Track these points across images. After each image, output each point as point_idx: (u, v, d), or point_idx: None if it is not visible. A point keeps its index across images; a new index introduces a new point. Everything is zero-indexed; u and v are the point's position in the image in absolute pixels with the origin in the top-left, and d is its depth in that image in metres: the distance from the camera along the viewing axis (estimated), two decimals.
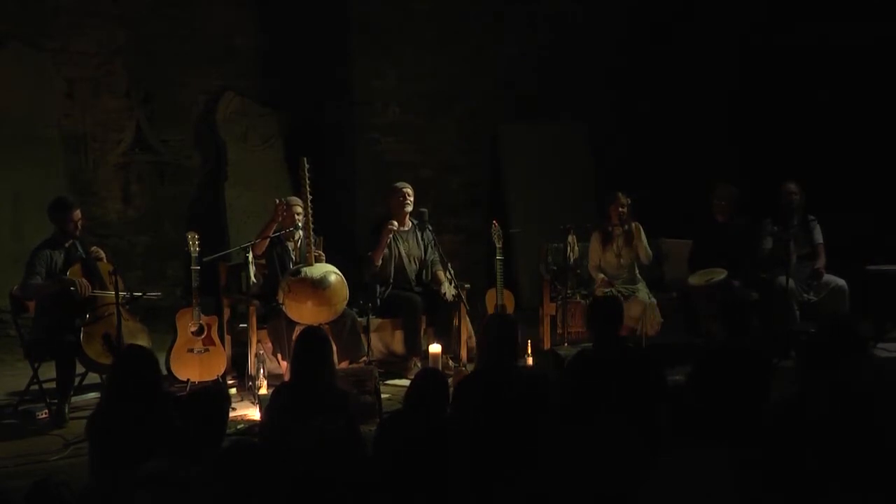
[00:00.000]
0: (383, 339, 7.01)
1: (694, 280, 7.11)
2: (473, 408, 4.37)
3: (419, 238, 7.08)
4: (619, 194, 7.20)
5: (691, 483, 3.47)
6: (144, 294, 6.52)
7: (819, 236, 7.24)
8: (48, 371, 6.03)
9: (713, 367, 4.65)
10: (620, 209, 7.16)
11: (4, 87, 8.15)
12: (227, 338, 6.60)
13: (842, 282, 7.09)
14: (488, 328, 4.83)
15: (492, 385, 4.45)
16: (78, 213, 6.17)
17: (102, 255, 6.21)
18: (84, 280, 5.94)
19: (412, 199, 7.01)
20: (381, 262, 6.89)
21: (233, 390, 6.47)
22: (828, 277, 7.14)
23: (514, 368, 4.68)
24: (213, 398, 3.97)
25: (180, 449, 3.73)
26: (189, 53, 8.88)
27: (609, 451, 3.76)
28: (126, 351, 4.78)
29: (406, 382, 6.23)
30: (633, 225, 7.23)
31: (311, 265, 6.36)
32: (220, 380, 6.43)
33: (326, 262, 6.51)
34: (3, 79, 8.16)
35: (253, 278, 6.48)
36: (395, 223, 6.88)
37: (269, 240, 6.58)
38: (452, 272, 6.79)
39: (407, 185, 7.06)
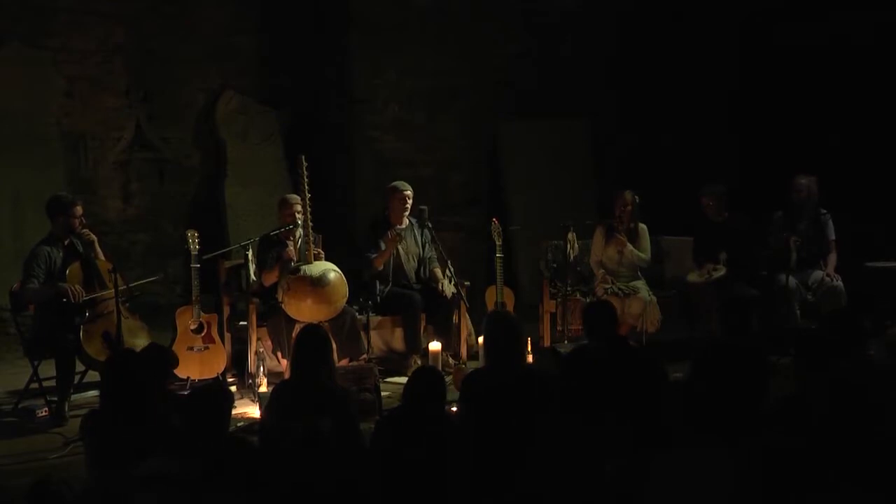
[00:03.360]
0: (383, 336, 7.01)
1: (693, 277, 7.12)
2: (477, 406, 4.38)
3: (417, 235, 7.08)
4: (626, 192, 7.20)
5: (691, 481, 3.47)
6: (146, 283, 6.55)
7: (831, 232, 7.19)
8: (48, 369, 6.03)
9: (713, 364, 4.67)
10: (623, 206, 7.17)
11: (4, 85, 8.14)
12: (227, 335, 6.61)
13: (839, 283, 7.06)
14: (488, 327, 4.83)
15: (494, 384, 4.45)
16: (80, 209, 6.17)
17: (94, 237, 6.20)
18: (77, 287, 5.92)
19: (412, 201, 7.01)
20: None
21: (233, 388, 6.47)
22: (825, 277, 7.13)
23: (519, 367, 4.67)
24: (216, 396, 3.98)
25: (180, 447, 3.73)
26: (188, 52, 8.87)
27: (609, 449, 3.76)
28: (142, 350, 4.80)
29: (406, 380, 6.25)
30: (639, 226, 7.24)
31: (311, 263, 6.36)
32: (220, 378, 6.44)
33: (325, 260, 6.52)
34: (2, 78, 8.15)
35: (253, 276, 6.49)
36: (399, 229, 6.88)
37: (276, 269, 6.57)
38: (452, 270, 6.79)
39: (407, 186, 7.04)
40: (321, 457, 3.62)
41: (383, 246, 6.89)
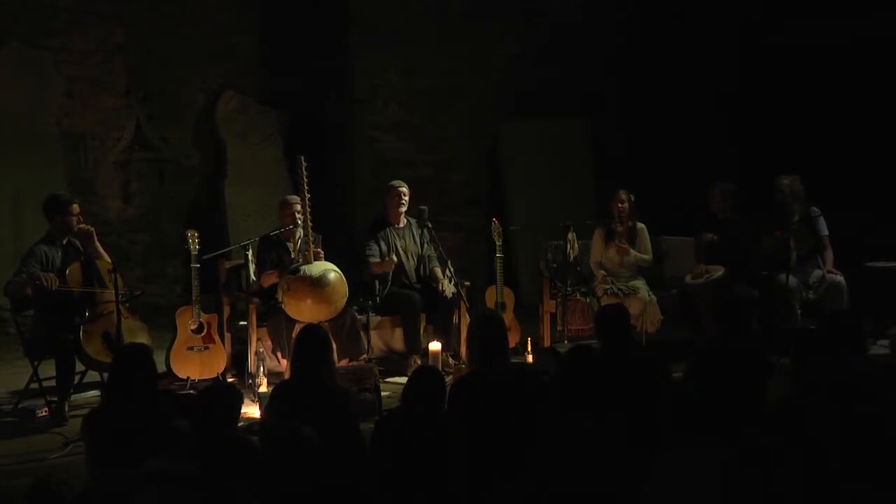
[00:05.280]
0: (383, 336, 7.02)
1: (692, 279, 7.11)
2: (468, 407, 4.37)
3: (415, 234, 7.09)
4: (621, 191, 7.22)
5: (689, 482, 3.47)
6: (143, 293, 6.55)
7: (823, 228, 7.18)
8: (48, 369, 6.03)
9: (711, 364, 4.66)
10: (620, 205, 7.18)
11: (4, 85, 8.15)
12: (227, 336, 6.61)
13: (840, 278, 7.08)
14: (474, 330, 4.83)
15: (485, 385, 4.45)
16: (77, 208, 6.18)
17: (91, 228, 6.20)
18: (51, 275, 5.91)
19: (407, 198, 7.02)
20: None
21: None
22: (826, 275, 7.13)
23: (505, 367, 4.66)
24: (228, 395, 3.99)
25: (182, 447, 3.73)
26: (188, 52, 8.87)
27: (607, 449, 3.76)
28: (123, 349, 4.79)
29: (406, 380, 6.25)
30: (638, 226, 7.24)
31: (311, 263, 6.36)
32: (221, 377, 6.44)
33: (325, 260, 6.52)
34: (2, 77, 8.15)
35: (253, 276, 6.49)
36: (395, 259, 6.87)
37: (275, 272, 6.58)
38: (452, 270, 6.79)
39: (403, 184, 7.06)
40: (321, 456, 3.61)
41: (383, 246, 6.89)
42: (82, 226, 6.18)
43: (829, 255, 7.17)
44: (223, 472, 3.63)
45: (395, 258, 6.88)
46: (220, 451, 3.75)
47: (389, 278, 6.95)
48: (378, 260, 6.86)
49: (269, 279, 6.55)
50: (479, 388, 4.42)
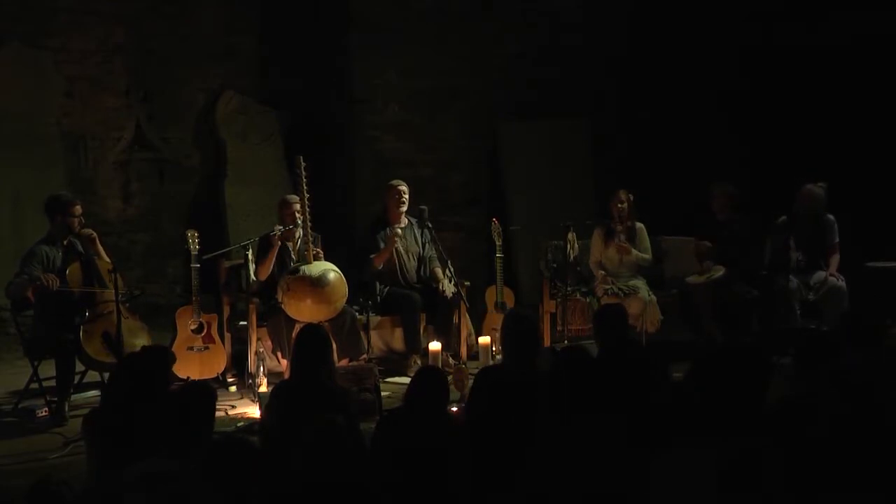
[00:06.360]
0: (383, 336, 7.03)
1: (693, 278, 7.12)
2: (489, 401, 4.38)
3: (417, 234, 7.10)
4: (620, 191, 7.23)
5: (688, 482, 3.47)
6: (143, 293, 6.55)
7: (835, 235, 7.19)
8: (48, 369, 6.04)
9: (712, 365, 4.66)
10: (619, 205, 7.19)
11: (4, 85, 8.14)
12: (227, 336, 6.62)
13: (841, 283, 7.07)
14: (505, 326, 4.84)
15: (510, 383, 4.45)
16: (78, 209, 6.19)
17: (94, 234, 6.21)
18: (51, 275, 5.93)
19: (407, 197, 7.03)
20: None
21: (233, 388, 6.50)
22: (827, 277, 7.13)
23: (532, 367, 4.67)
24: (197, 395, 3.98)
25: (172, 447, 3.73)
26: (189, 52, 8.87)
27: (606, 449, 3.76)
28: (141, 350, 4.80)
29: (406, 380, 6.25)
30: (637, 226, 7.25)
31: (311, 263, 6.37)
32: (221, 377, 6.45)
33: (325, 260, 6.53)
34: (2, 78, 8.15)
35: (253, 276, 6.49)
36: (400, 231, 6.90)
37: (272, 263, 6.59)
38: (452, 270, 6.79)
39: (402, 183, 7.08)
40: (321, 456, 3.61)
41: (382, 245, 6.91)
42: (85, 230, 6.19)
43: (835, 259, 7.18)
44: (214, 471, 3.63)
45: (399, 231, 6.87)
46: (211, 451, 3.74)
47: (390, 277, 6.96)
48: (376, 254, 6.88)
49: (265, 268, 6.54)
50: (503, 384, 4.42)
